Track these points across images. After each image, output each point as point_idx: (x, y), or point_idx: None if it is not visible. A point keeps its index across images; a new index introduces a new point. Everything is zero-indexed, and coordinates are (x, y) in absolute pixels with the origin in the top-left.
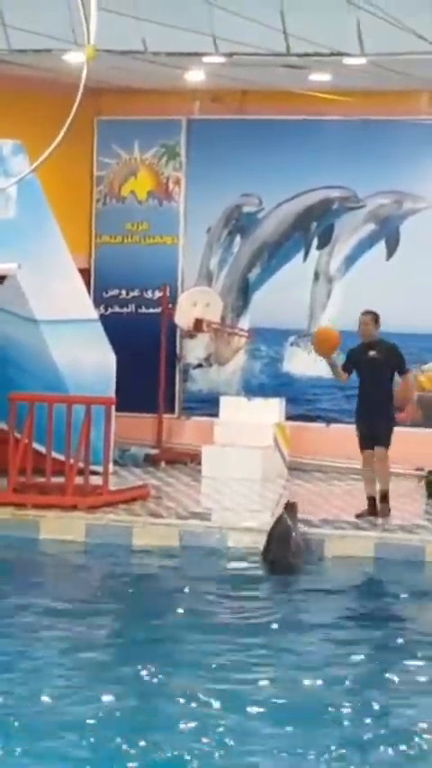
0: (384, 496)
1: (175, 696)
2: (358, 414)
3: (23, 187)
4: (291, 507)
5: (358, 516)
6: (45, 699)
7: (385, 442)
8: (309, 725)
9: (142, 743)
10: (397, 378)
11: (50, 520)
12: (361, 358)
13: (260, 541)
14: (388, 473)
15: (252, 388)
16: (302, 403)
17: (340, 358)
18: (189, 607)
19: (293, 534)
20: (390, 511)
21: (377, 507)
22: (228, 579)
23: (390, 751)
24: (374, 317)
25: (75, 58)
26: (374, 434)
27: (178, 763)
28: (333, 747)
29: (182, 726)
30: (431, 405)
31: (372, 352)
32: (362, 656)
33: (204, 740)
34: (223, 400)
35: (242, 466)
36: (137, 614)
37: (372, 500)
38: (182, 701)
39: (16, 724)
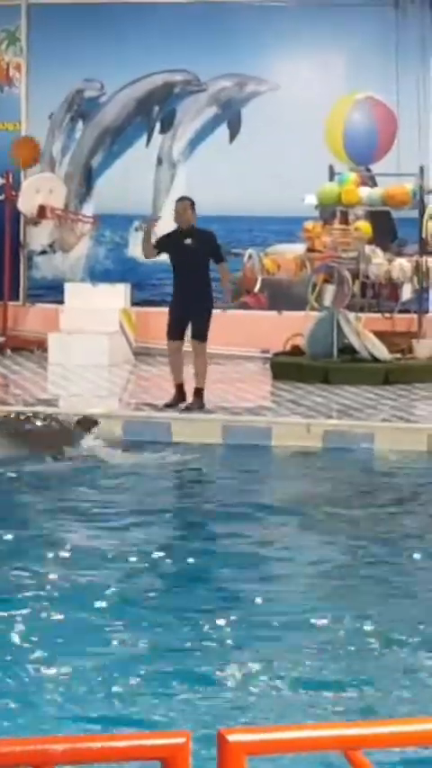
0: (199, 392)
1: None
2: (174, 302)
3: None
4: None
5: (167, 406)
6: None
7: (202, 335)
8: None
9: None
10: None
11: None
12: (177, 245)
13: (108, 427)
14: (205, 369)
15: (97, 275)
16: (148, 288)
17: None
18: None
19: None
20: (204, 405)
21: (185, 394)
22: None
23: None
24: (191, 204)
25: None
26: (193, 325)
27: None
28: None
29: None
30: (275, 288)
31: (188, 240)
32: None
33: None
34: (68, 286)
35: (88, 352)
36: None
37: (180, 386)
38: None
39: None
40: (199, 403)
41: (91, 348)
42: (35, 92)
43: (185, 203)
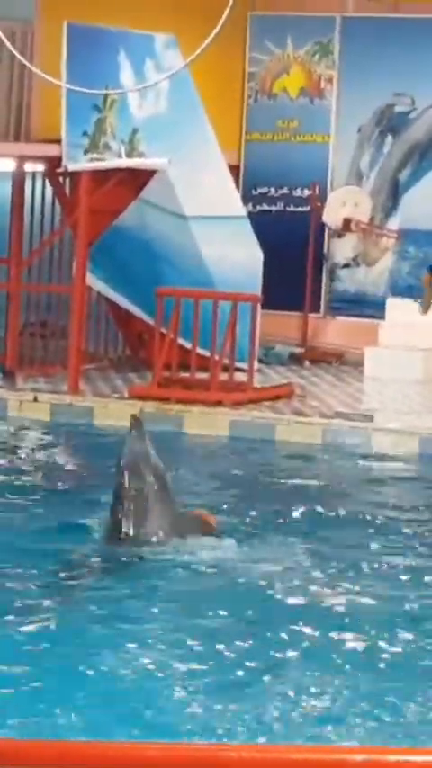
0: None
1: None
2: None
3: (176, 82)
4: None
5: None
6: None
7: None
8: None
9: None
10: None
11: (195, 415)
12: None
13: (405, 443)
14: None
15: (399, 290)
16: None
17: None
18: (328, 504)
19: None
20: None
21: None
22: (368, 479)
23: None
24: None
25: None
26: None
27: None
28: None
29: None
30: None
31: None
32: None
33: None
34: (390, 302)
35: (402, 367)
36: (274, 508)
37: None
38: None
39: None
40: None
41: (405, 363)
42: (345, 104)
43: None
